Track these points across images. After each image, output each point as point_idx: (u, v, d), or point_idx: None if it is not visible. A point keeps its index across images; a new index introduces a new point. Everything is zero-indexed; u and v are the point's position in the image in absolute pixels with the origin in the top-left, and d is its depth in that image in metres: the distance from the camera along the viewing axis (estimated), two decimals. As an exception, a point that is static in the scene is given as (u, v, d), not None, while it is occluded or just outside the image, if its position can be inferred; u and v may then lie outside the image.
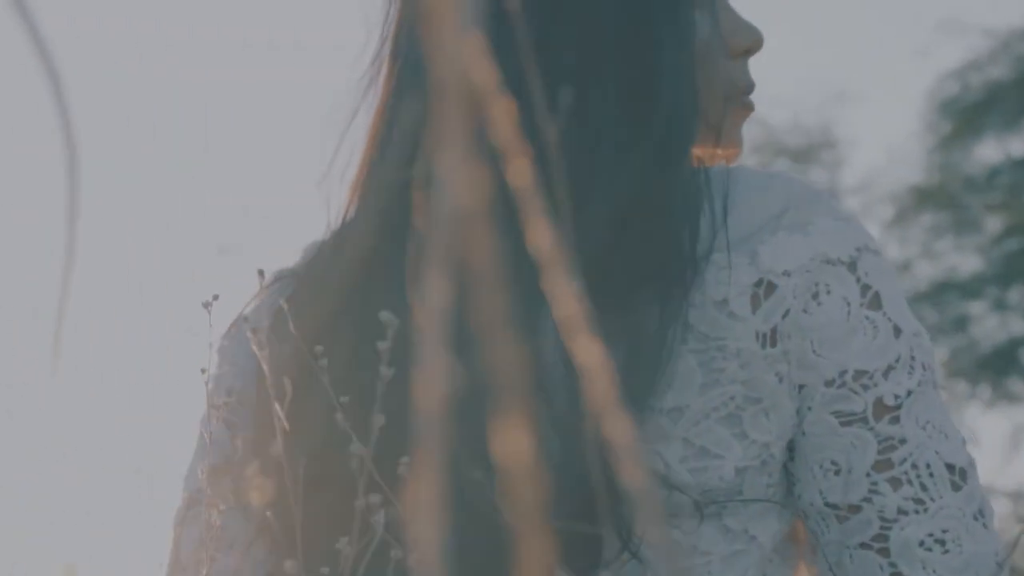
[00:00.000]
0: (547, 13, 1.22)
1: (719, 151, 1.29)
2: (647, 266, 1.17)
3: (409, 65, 1.25)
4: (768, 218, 1.19)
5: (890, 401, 1.19)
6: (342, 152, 1.27)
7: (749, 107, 1.34)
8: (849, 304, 1.19)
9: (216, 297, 1.18)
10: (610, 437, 1.13)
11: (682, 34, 1.24)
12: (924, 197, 15.44)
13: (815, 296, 1.18)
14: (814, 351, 1.18)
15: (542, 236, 0.97)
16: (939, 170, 15.31)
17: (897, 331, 1.20)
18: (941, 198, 15.36)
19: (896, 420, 1.19)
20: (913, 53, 16.41)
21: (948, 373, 15.62)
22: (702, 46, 1.27)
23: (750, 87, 1.34)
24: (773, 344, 1.18)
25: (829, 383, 1.18)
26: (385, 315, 1.04)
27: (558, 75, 1.21)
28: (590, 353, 1.14)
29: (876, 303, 1.20)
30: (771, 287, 1.18)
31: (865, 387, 1.18)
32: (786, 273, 1.18)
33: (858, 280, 1.20)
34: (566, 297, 1.18)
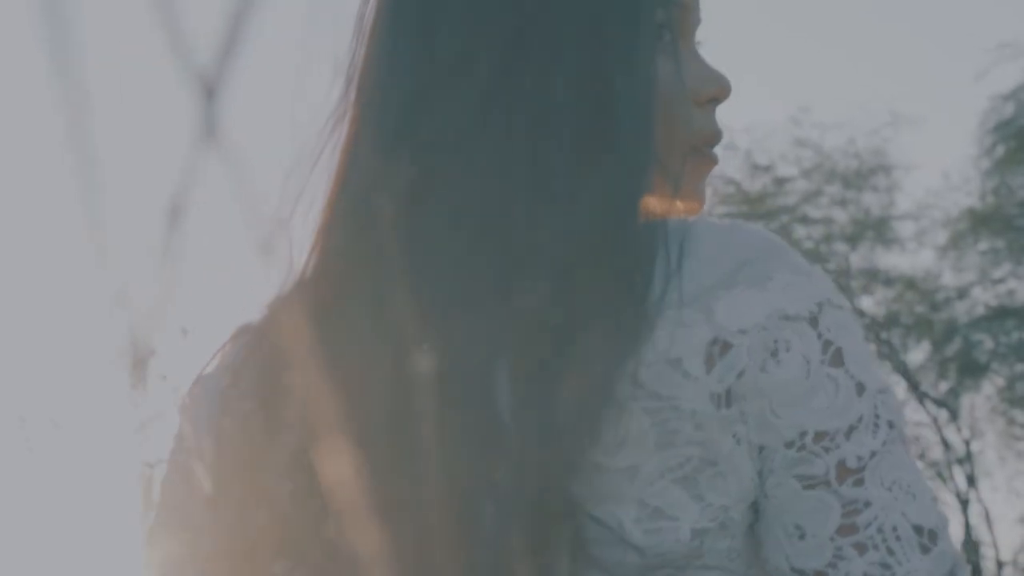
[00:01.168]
0: (503, 56, 1.19)
1: (679, 204, 1.25)
2: (593, 318, 1.13)
3: (372, 109, 1.23)
4: (726, 273, 1.15)
5: (853, 463, 1.14)
6: (306, 196, 1.24)
7: (712, 159, 1.29)
8: (809, 362, 1.14)
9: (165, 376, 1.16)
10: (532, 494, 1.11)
11: (640, 80, 1.20)
12: (980, 221, 15.35)
13: (774, 354, 1.14)
14: (773, 412, 1.14)
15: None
16: (995, 193, 15.21)
17: (860, 389, 1.15)
18: (997, 222, 15.27)
19: (860, 482, 1.14)
20: (969, 76, 16.34)
21: (1005, 401, 15.49)
22: (664, 93, 1.23)
23: (715, 137, 1.29)
24: (728, 405, 1.13)
25: (789, 445, 1.14)
26: (288, 379, 1.03)
27: (513, 120, 1.17)
28: (522, 407, 1.12)
29: (838, 360, 1.15)
30: (726, 346, 1.13)
31: (827, 449, 1.14)
32: (742, 331, 1.14)
33: (819, 336, 1.14)
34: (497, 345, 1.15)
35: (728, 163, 15.57)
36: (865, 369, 1.16)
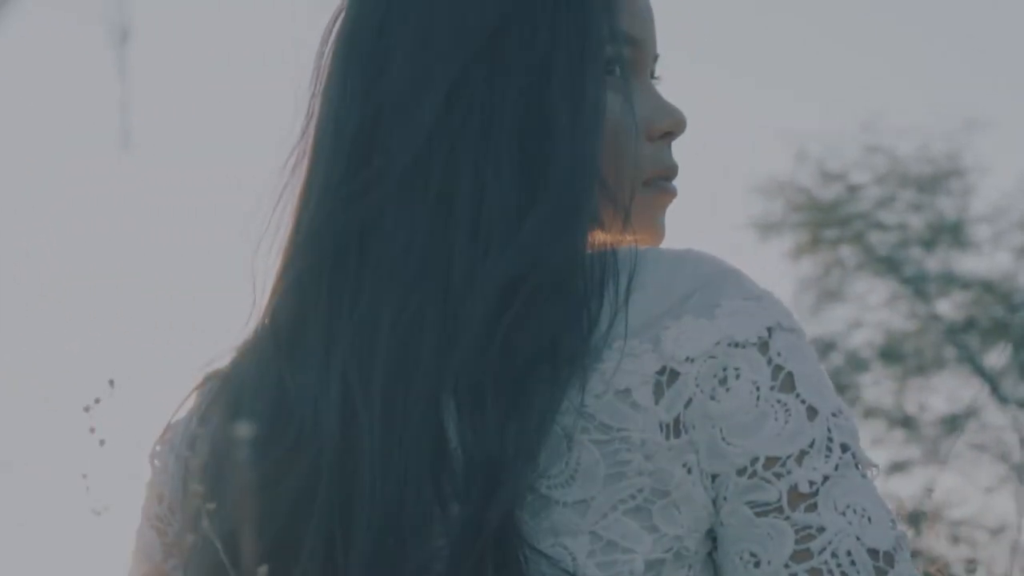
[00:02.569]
0: (449, 93, 1.21)
1: (634, 236, 1.23)
2: (536, 351, 1.15)
3: (324, 148, 1.24)
4: (674, 302, 1.16)
5: (805, 488, 1.14)
6: (267, 237, 1.27)
7: (669, 192, 1.29)
8: (759, 388, 1.14)
9: (98, 400, 1.18)
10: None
11: (583, 113, 1.21)
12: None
13: (723, 382, 1.14)
14: (724, 439, 1.14)
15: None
16: (1071, 194, 15.02)
17: (812, 412, 1.15)
18: (1074, 223, 15.07)
19: (813, 507, 1.14)
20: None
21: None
22: (612, 126, 1.23)
23: (670, 171, 1.29)
24: (677, 435, 1.14)
25: (741, 472, 1.14)
26: (243, 428, 1.05)
27: (458, 156, 1.19)
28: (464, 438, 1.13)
29: (788, 385, 1.15)
30: (674, 375, 1.14)
31: (778, 475, 1.14)
32: (689, 360, 1.14)
33: (769, 361, 1.15)
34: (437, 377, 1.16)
35: (799, 171, 15.47)
36: (818, 392, 1.16)
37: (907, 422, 15.27)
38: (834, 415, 1.16)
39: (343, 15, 1.27)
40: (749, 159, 21.28)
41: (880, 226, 15.50)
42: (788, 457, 1.14)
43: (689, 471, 1.14)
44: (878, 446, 15.24)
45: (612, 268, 1.17)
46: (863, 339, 15.41)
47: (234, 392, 1.24)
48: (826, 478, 1.14)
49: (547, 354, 1.14)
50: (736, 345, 1.15)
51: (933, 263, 15.50)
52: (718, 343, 1.14)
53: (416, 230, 1.18)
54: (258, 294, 1.26)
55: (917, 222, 15.48)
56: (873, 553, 1.14)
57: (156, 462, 1.30)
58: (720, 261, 1.19)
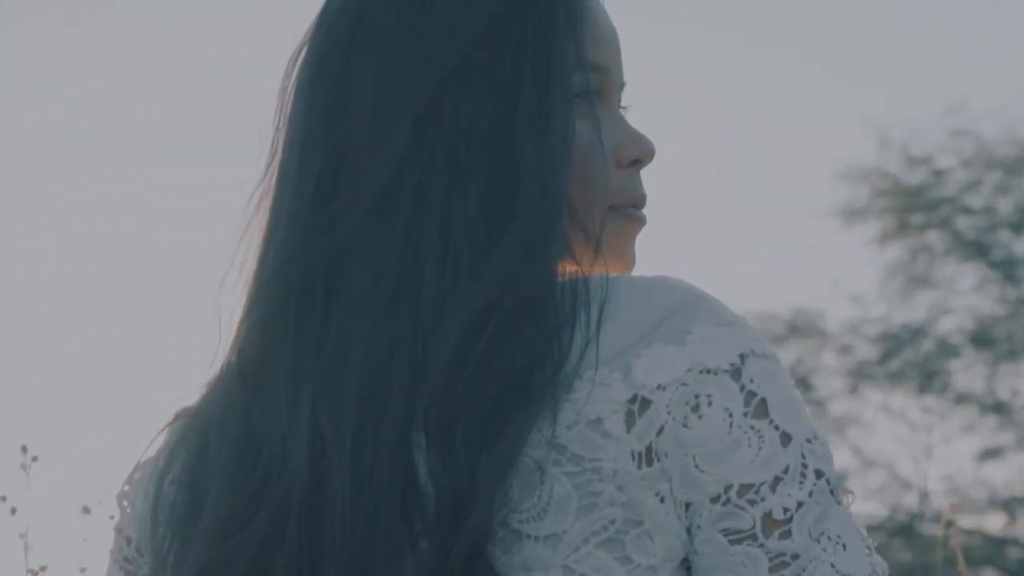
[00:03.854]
0: (417, 123, 1.21)
1: (605, 265, 1.22)
2: (506, 382, 1.14)
3: (290, 180, 1.24)
4: (645, 329, 1.15)
5: (779, 515, 1.13)
6: (231, 273, 1.27)
7: (638, 220, 1.28)
8: (731, 415, 1.13)
9: (35, 459, 1.20)
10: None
11: (551, 140, 1.20)
12: None
13: (695, 409, 1.13)
14: (697, 467, 1.13)
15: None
16: None
17: (786, 439, 1.14)
18: None
19: (787, 534, 1.13)
20: None
21: None
22: (581, 154, 1.22)
23: (639, 199, 1.28)
24: (649, 463, 1.13)
25: (715, 500, 1.13)
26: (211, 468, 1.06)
27: (426, 187, 1.19)
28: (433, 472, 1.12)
29: (762, 411, 1.14)
30: (645, 403, 1.13)
31: (752, 502, 1.13)
32: (660, 387, 1.13)
33: (742, 388, 1.14)
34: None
35: (884, 157, 15.34)
36: (792, 418, 1.15)
37: (999, 408, 15.11)
38: (808, 441, 1.15)
39: (307, 47, 1.27)
40: (833, 146, 21.13)
41: (967, 210, 15.35)
42: (762, 484, 1.13)
43: (662, 500, 1.14)
44: (970, 433, 15.12)
45: (584, 297, 1.17)
46: (952, 325, 15.26)
47: (201, 430, 1.23)
48: (800, 504, 1.13)
49: (518, 385, 1.14)
50: (708, 372, 1.14)
51: (1022, 246, 15.33)
52: (689, 370, 1.14)
53: (384, 262, 1.17)
54: (224, 330, 1.25)
55: (1004, 205, 15.31)
56: None
57: (124, 503, 1.31)
58: (692, 288, 1.18)
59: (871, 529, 14.59)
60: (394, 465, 1.14)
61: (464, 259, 1.17)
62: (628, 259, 1.28)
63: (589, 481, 1.13)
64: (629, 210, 1.28)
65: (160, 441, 1.30)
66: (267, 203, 1.26)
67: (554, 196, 1.19)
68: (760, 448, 1.13)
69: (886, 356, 15.22)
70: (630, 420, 1.13)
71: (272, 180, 1.26)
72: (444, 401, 1.14)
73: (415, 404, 1.15)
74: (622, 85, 1.30)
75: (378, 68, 1.22)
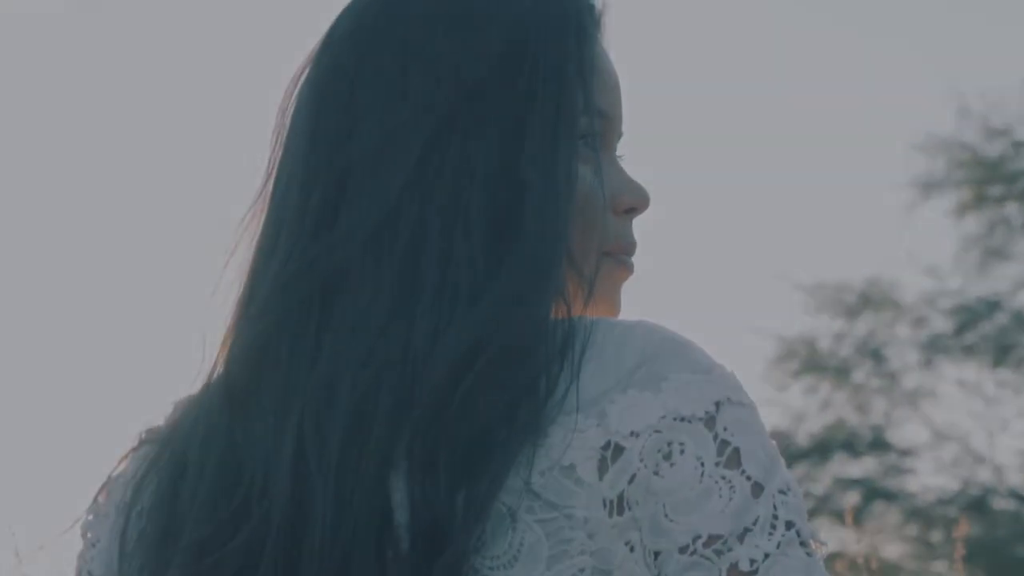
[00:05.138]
0: (421, 154, 1.20)
1: (592, 309, 1.24)
2: (494, 415, 1.14)
3: (290, 201, 1.23)
4: (622, 374, 1.15)
5: (745, 566, 1.12)
6: (220, 291, 1.26)
7: (628, 267, 1.29)
8: (703, 464, 1.13)
9: None
10: None
11: (555, 183, 1.21)
12: None
13: (667, 457, 1.13)
14: (667, 516, 1.13)
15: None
16: None
17: (758, 489, 1.14)
18: None
19: None
20: None
21: None
22: (582, 199, 1.23)
23: (631, 247, 1.29)
24: (620, 512, 1.13)
25: (683, 550, 1.13)
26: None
27: (427, 217, 1.19)
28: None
29: (734, 461, 1.14)
30: (618, 450, 1.13)
31: (719, 553, 1.12)
32: (634, 434, 1.13)
33: (716, 437, 1.14)
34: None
35: (962, 128, 15.20)
36: (765, 469, 1.14)
37: (1077, 382, 14.97)
38: (781, 492, 1.14)
39: (310, 71, 1.27)
40: (912, 116, 20.99)
41: (1048, 182, 15.19)
42: (730, 535, 1.13)
43: (632, 549, 1.13)
44: (1046, 407, 14.99)
45: (570, 338, 1.17)
46: (1029, 298, 15.13)
47: (176, 455, 1.22)
48: (767, 555, 1.13)
49: (500, 426, 1.14)
50: (682, 419, 1.13)
51: (1102, 219, 15.16)
52: (663, 417, 1.13)
53: (380, 290, 1.17)
54: (207, 349, 1.24)
55: (1087, 177, 15.16)
56: None
57: (89, 534, 1.30)
58: (670, 334, 1.17)
59: (943, 503, 14.52)
60: (375, 491, 1.14)
61: (461, 293, 1.17)
62: (615, 305, 1.29)
63: (560, 529, 1.12)
64: (621, 257, 1.29)
65: (125, 467, 1.28)
66: (259, 223, 1.26)
67: (556, 240, 1.20)
68: (731, 498, 1.13)
69: (961, 329, 15.10)
70: (603, 467, 1.13)
71: (266, 201, 1.26)
72: (430, 430, 1.14)
73: (401, 431, 1.15)
74: (621, 135, 1.31)
75: (385, 100, 1.22)
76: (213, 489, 1.18)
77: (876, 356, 15.24)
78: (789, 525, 1.13)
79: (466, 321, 1.15)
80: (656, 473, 1.12)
